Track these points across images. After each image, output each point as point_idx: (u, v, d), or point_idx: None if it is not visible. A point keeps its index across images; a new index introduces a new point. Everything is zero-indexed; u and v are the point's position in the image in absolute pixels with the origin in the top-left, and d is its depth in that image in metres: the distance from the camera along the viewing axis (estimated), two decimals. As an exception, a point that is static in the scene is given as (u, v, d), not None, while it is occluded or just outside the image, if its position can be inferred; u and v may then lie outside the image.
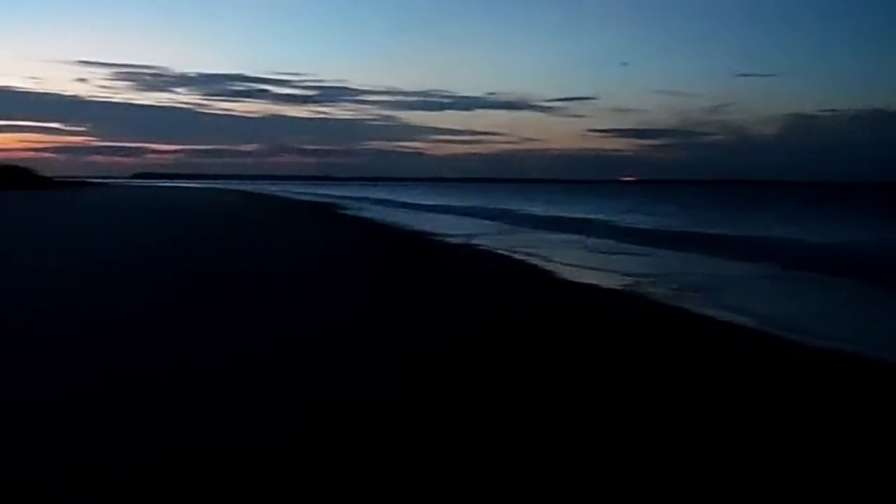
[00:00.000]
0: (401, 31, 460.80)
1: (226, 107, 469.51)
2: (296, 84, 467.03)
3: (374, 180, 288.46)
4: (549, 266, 20.19)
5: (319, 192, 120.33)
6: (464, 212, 54.05)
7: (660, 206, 67.70)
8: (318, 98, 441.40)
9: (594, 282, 17.16)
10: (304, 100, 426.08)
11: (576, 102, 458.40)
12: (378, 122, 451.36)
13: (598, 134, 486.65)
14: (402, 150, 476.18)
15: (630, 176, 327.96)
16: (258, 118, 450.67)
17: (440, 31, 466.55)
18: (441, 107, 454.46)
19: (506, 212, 51.09)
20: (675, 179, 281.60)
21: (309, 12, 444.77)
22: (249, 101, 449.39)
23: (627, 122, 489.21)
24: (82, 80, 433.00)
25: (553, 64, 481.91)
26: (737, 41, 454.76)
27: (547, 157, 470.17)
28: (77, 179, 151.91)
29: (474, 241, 28.48)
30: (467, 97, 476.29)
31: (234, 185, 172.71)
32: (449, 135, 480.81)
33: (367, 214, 50.65)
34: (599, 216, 46.17)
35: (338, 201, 78.57)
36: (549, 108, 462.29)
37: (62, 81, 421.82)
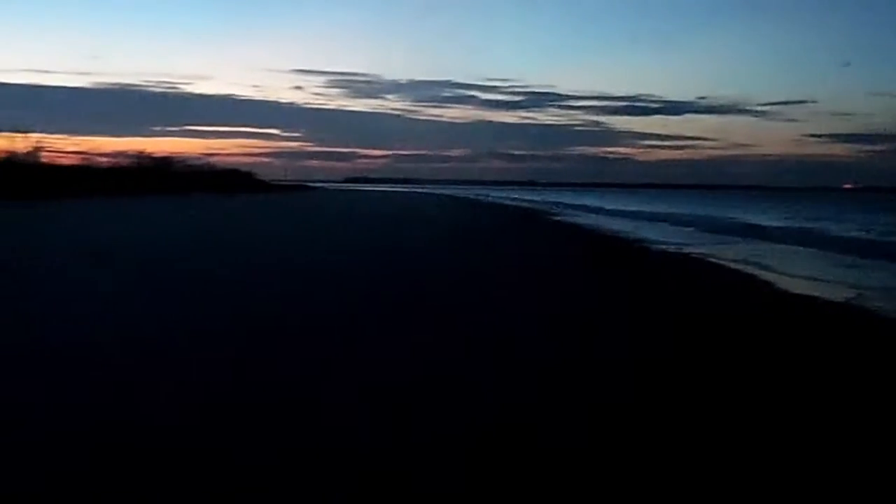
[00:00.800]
0: (609, 35, 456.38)
1: (435, 112, 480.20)
2: (503, 90, 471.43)
3: (580, 186, 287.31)
4: (769, 276, 19.72)
5: (525, 197, 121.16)
6: (680, 220, 52.18)
7: (882, 215, 64.19)
8: (526, 103, 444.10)
9: (819, 294, 16.65)
10: (511, 105, 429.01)
11: (791, 106, 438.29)
12: (585, 128, 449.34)
13: (814, 139, 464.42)
14: (610, 155, 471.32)
15: (851, 184, 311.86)
16: (465, 123, 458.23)
17: (649, 36, 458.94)
18: (650, 112, 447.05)
19: (726, 221, 49.54)
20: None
21: (517, 19, 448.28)
22: (458, 107, 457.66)
23: (848, 127, 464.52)
24: (298, 87, 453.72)
25: (768, 66, 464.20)
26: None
27: (759, 163, 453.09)
28: (293, 183, 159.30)
29: (697, 251, 28.05)
30: (677, 102, 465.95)
31: (440, 190, 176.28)
32: (657, 140, 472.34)
33: (576, 220, 50.70)
34: (824, 225, 44.32)
35: (545, 207, 78.94)
36: (763, 112, 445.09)
37: (280, 90, 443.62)
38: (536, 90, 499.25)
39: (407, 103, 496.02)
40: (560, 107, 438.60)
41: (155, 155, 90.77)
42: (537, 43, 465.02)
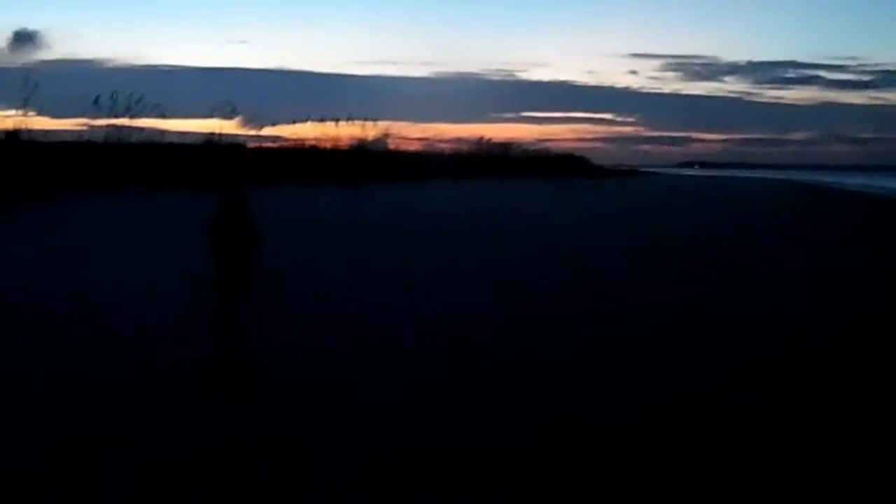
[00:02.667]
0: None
1: (775, 94, 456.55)
2: (851, 69, 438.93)
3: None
4: None
5: (882, 183, 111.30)
6: None
7: None
8: (876, 83, 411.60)
9: None
10: (860, 85, 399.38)
11: None
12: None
13: None
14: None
15: None
16: (808, 106, 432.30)
17: None
18: None
19: None
20: None
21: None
22: (800, 88, 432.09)
23: None
24: (633, 72, 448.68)
25: None
26: None
27: None
28: (626, 168, 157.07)
29: None
30: None
31: (782, 175, 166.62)
32: None
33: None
34: None
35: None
36: None
37: (614, 74, 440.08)
38: (889, 68, 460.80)
39: (745, 85, 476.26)
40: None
41: (494, 141, 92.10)
42: (885, 19, 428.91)
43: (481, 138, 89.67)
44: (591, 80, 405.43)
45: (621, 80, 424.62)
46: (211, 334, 7.61)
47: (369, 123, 66.51)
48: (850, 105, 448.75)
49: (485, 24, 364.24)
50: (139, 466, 5.66)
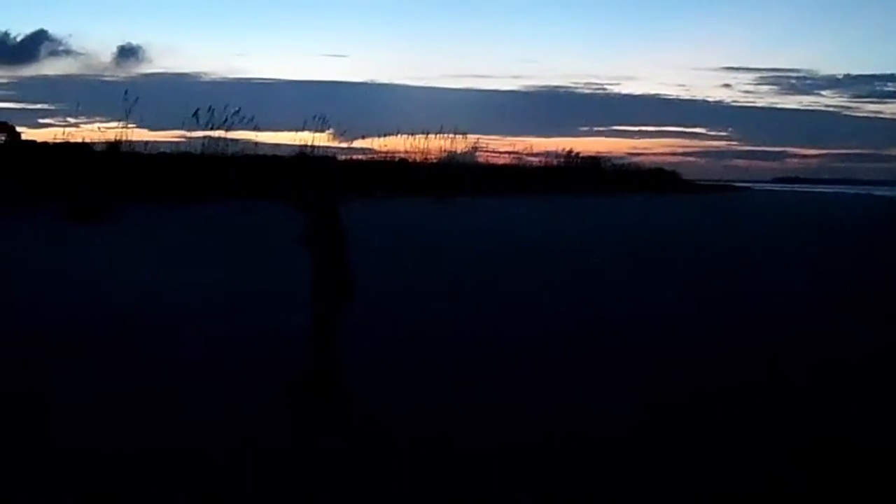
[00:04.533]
0: None
1: (874, 109, 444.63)
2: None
3: None
4: None
5: None
6: None
7: None
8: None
9: None
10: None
11: None
12: None
13: None
14: None
15: None
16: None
17: None
18: None
19: None
20: None
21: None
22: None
23: None
24: (727, 85, 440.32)
25: None
26: None
27: None
28: (719, 183, 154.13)
29: None
30: None
31: (879, 191, 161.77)
32: None
33: None
34: None
35: None
36: None
37: (707, 88, 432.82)
38: None
39: (844, 99, 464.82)
40: None
41: (583, 154, 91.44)
42: None
43: (570, 151, 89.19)
44: (683, 94, 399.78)
45: (714, 93, 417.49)
46: (311, 345, 7.63)
47: (459, 136, 66.80)
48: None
49: (575, 37, 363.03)
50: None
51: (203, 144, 42.78)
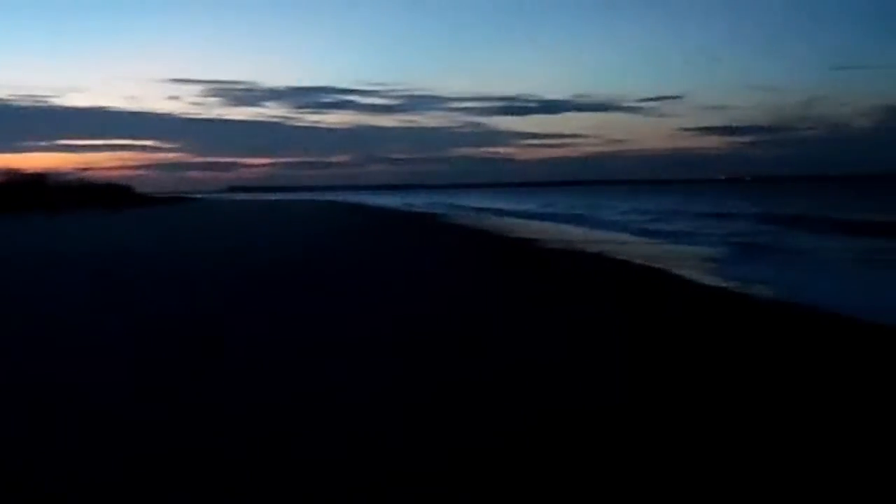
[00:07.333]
0: (485, 37, 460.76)
1: (315, 119, 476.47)
2: (383, 94, 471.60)
3: (464, 187, 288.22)
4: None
5: (413, 200, 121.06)
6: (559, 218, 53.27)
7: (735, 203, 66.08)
8: (406, 107, 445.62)
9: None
10: (391, 109, 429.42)
11: (665, 102, 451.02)
12: (466, 129, 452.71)
13: (688, 133, 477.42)
14: (491, 155, 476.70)
15: (723, 174, 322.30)
16: (347, 129, 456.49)
17: (525, 35, 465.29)
18: (528, 111, 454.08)
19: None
20: (771, 176, 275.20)
21: (393, 24, 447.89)
22: (338, 113, 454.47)
23: (719, 120, 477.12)
24: (175, 97, 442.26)
25: (641, 64, 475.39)
26: (832, 34, 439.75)
27: (636, 158, 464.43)
28: (174, 195, 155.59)
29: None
30: (554, 101, 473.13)
31: (327, 196, 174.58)
32: (536, 139, 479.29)
33: (468, 223, 50.79)
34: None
35: (433, 210, 78.96)
36: (639, 108, 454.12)
37: (156, 100, 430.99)
38: (416, 93, 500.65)
39: (286, 110, 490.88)
40: (441, 109, 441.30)
41: (27, 171, 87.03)
42: (415, 46, 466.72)
43: (11, 169, 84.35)
44: (132, 106, 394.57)
45: (163, 105, 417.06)
46: None
47: None
48: (384, 128, 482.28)
49: (11, 47, 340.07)
50: None
51: None
